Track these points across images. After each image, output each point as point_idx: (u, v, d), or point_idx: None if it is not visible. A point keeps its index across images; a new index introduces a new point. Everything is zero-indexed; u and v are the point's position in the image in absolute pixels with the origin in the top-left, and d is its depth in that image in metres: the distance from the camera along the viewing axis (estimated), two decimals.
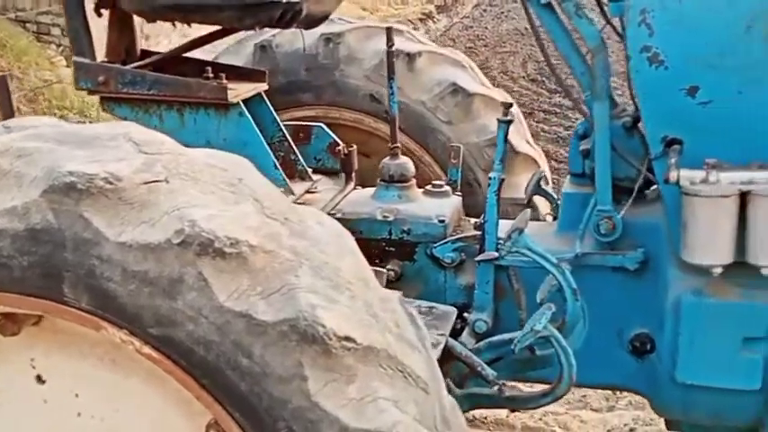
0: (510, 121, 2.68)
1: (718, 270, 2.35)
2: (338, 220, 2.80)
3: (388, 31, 3.16)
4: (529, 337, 2.41)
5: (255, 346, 1.51)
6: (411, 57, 3.67)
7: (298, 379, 1.50)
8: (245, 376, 1.52)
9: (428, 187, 3.09)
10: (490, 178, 2.69)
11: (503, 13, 18.96)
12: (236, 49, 3.81)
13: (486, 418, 3.98)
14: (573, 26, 2.58)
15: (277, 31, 3.74)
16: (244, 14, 2.66)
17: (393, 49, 3.12)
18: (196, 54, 3.11)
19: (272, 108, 3.09)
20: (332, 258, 1.67)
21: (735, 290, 2.49)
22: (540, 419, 4.03)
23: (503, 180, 2.70)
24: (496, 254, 2.67)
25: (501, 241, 2.65)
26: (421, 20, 17.21)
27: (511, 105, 2.69)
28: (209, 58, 3.25)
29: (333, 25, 3.68)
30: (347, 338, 1.53)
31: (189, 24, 2.87)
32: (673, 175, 2.29)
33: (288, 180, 2.91)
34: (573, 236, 2.71)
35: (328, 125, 3.42)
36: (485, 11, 19.56)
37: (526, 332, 2.42)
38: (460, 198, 3.10)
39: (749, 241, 2.30)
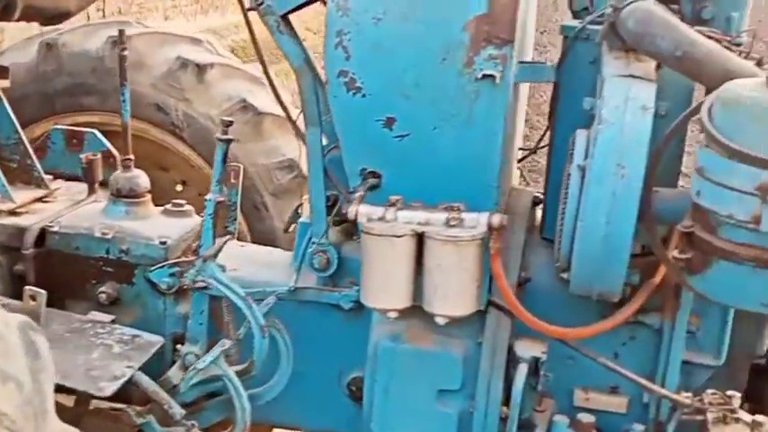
0: (230, 140, 2.50)
1: (394, 315, 2.19)
2: (54, 233, 2.66)
3: (121, 32, 2.96)
4: (192, 375, 2.23)
5: None
6: (201, 68, 3.50)
7: None
8: None
9: (167, 206, 2.89)
10: (206, 200, 2.51)
11: None
12: (22, 45, 3.64)
13: None
14: None
15: (67, 28, 3.56)
16: None
17: (126, 53, 2.93)
18: None
19: (9, 109, 2.90)
20: None
21: (432, 337, 2.33)
22: None
23: (220, 202, 2.52)
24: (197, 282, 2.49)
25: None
26: None
27: (230, 123, 2.50)
28: None
29: (121, 27, 3.50)
30: None
31: None
32: (352, 211, 2.13)
33: (9, 186, 2.73)
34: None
35: (113, 133, 3.24)
36: None
37: (191, 370, 2.24)
38: (201, 220, 2.91)
39: (423, 286, 2.14)
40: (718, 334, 2.35)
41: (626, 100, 2.03)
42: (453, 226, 2.09)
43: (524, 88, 2.66)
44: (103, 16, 8.49)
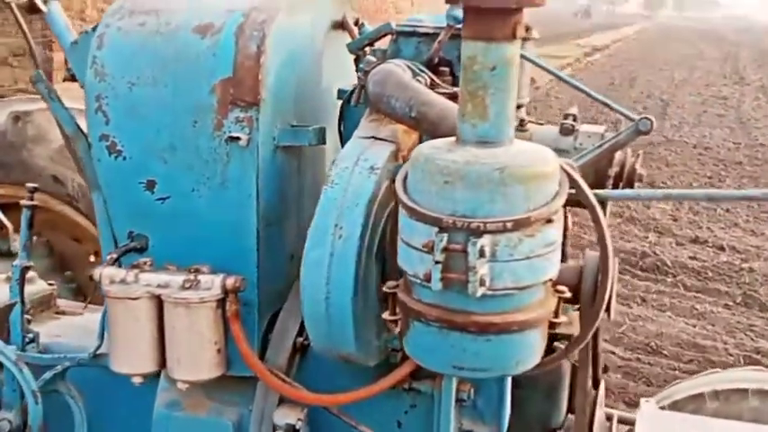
0: (35, 206, 2.55)
1: (139, 380, 2.16)
2: None
3: None
4: None
5: None
6: None
7: None
8: None
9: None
10: (12, 266, 2.56)
11: None
12: None
13: None
14: None
15: None
16: None
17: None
18: None
19: None
20: None
21: (208, 404, 2.30)
22: None
23: (26, 268, 2.57)
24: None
25: None
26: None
27: (35, 190, 2.56)
28: None
29: (22, 104, 3.66)
30: None
31: None
32: (96, 273, 2.14)
33: None
34: None
35: (16, 205, 3.36)
36: None
37: None
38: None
39: (167, 350, 2.12)
40: (496, 403, 2.24)
41: (356, 161, 2.00)
42: (188, 288, 2.07)
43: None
44: None
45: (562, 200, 1.72)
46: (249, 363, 2.10)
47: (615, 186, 2.24)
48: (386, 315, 1.84)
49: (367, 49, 2.40)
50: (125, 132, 2.19)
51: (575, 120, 2.29)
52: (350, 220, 1.93)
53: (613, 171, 2.23)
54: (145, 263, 2.12)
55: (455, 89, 2.14)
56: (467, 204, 1.65)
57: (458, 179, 1.65)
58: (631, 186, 2.25)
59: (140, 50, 2.16)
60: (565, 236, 2.23)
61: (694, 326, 7.19)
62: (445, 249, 1.65)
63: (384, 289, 1.85)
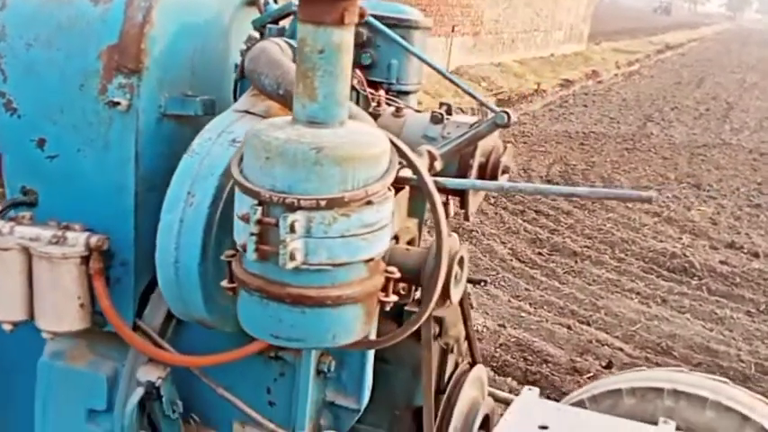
0: None
1: (9, 327, 2.26)
2: None
3: None
4: None
5: None
6: None
7: None
8: None
9: None
10: None
11: (564, 114, 18.74)
12: None
13: None
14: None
15: None
16: None
17: None
18: None
19: None
20: None
21: (88, 357, 2.40)
22: None
23: None
24: None
25: None
26: (473, 110, 17.19)
27: None
28: None
29: None
30: None
31: None
32: None
33: None
34: None
35: None
36: (551, 110, 19.37)
37: None
38: None
39: (34, 301, 2.22)
40: (358, 376, 2.31)
41: (220, 133, 2.08)
42: (54, 243, 2.17)
43: None
44: None
45: (381, 184, 1.78)
46: (110, 319, 2.20)
47: (481, 177, 2.29)
48: (224, 283, 1.92)
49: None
50: (21, 91, 2.30)
51: (449, 110, 2.33)
52: (202, 189, 2.02)
53: (477, 162, 2.28)
54: (23, 216, 2.23)
55: None
56: (284, 180, 1.72)
57: (277, 156, 1.72)
58: (495, 178, 2.30)
59: (39, 13, 2.26)
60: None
61: (711, 330, 7.14)
62: (259, 222, 1.72)
63: (221, 257, 1.92)
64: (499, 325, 7.10)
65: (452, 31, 20.46)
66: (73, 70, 2.24)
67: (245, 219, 1.74)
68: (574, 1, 29.87)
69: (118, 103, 2.20)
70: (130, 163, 2.24)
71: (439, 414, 2.46)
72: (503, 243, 9.39)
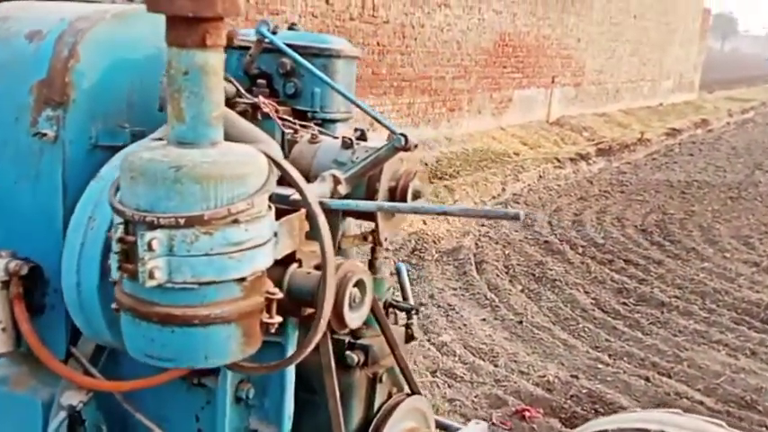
0: None
1: None
2: None
3: None
4: None
5: None
6: None
7: None
8: None
9: None
10: None
11: (667, 163, 18.27)
12: None
13: None
14: None
15: None
16: None
17: None
18: None
19: None
20: None
21: (28, 382, 2.47)
22: None
23: None
24: None
25: None
26: (572, 159, 17.00)
27: None
28: None
29: None
30: None
31: None
32: None
33: None
34: None
35: None
36: (654, 159, 18.92)
37: None
38: None
39: None
40: (278, 404, 2.29)
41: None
42: None
43: None
44: None
45: (246, 203, 1.78)
46: (29, 341, 2.25)
47: (392, 200, 2.27)
48: (114, 305, 1.95)
49: None
50: None
51: (362, 135, 2.33)
52: (101, 213, 2.07)
53: (387, 185, 2.26)
54: None
55: (257, 100, 2.25)
56: (147, 199, 1.75)
57: (140, 175, 1.76)
58: (405, 201, 2.27)
59: None
60: (374, 249, 2.28)
61: None
62: (121, 240, 1.75)
63: (110, 279, 1.96)
64: (572, 375, 6.89)
65: (552, 81, 20.33)
66: (10, 105, 2.34)
67: (111, 238, 1.77)
68: (683, 50, 29.28)
69: (45, 135, 2.28)
70: (59, 192, 2.31)
71: None
72: (586, 293, 9.15)
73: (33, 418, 2.41)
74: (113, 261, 1.77)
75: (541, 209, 13.21)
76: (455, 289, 9.06)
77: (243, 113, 2.30)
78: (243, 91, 2.33)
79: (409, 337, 2.60)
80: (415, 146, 2.14)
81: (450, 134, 16.42)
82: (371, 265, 2.48)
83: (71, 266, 2.09)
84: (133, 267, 1.75)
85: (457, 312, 8.25)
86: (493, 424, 6.04)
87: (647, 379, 6.86)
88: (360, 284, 2.09)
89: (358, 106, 2.27)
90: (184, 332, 1.80)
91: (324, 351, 2.16)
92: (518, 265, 9.99)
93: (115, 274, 1.77)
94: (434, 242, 10.71)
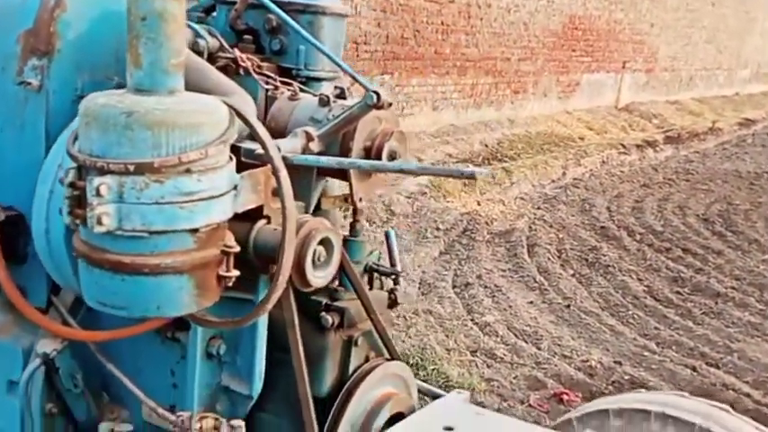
0: None
1: None
2: None
3: None
4: None
5: None
6: None
7: None
8: None
9: None
10: None
11: (737, 154, 17.77)
12: None
13: None
14: None
15: None
16: None
17: None
18: None
19: None
20: None
21: (13, 329, 2.48)
22: None
23: None
24: None
25: None
26: (638, 146, 16.66)
27: None
28: None
29: None
30: None
31: None
32: None
33: None
34: None
35: None
36: (724, 149, 18.43)
37: None
38: None
39: None
40: (249, 362, 2.27)
41: None
42: None
43: None
44: None
45: (199, 153, 1.75)
46: (5, 289, 2.26)
47: (367, 159, 2.22)
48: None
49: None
50: None
51: (341, 93, 2.29)
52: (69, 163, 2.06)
53: (362, 144, 2.21)
54: None
55: (236, 55, 2.22)
56: (99, 145, 1.74)
57: (93, 120, 1.75)
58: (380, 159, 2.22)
59: None
60: (354, 212, 2.25)
61: None
62: (72, 185, 1.74)
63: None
64: (615, 362, 6.77)
65: (623, 67, 19.93)
66: None
67: (62, 182, 1.76)
68: (763, 39, 28.41)
69: (30, 84, 2.28)
70: (41, 142, 2.32)
71: (336, 405, 2.37)
72: (639, 280, 8.95)
73: (15, 364, 2.43)
74: (64, 206, 1.75)
75: (602, 194, 12.97)
76: (504, 270, 8.95)
77: (225, 68, 2.28)
78: (226, 45, 2.30)
79: (392, 303, 2.56)
80: (389, 104, 2.09)
81: (513, 116, 16.22)
82: (352, 228, 2.45)
83: (40, 214, 2.09)
84: (83, 213, 1.73)
85: (504, 294, 8.15)
86: (530, 405, 5.95)
87: (694, 368, 6.69)
88: (325, 242, 2.05)
89: (334, 62, 2.23)
90: (135, 281, 1.78)
91: (287, 306, 2.13)
92: (571, 249, 9.83)
93: (66, 219, 1.76)
94: (487, 223, 10.58)
